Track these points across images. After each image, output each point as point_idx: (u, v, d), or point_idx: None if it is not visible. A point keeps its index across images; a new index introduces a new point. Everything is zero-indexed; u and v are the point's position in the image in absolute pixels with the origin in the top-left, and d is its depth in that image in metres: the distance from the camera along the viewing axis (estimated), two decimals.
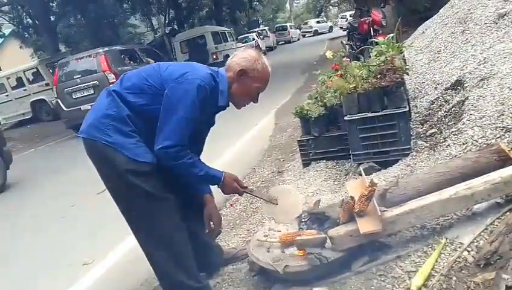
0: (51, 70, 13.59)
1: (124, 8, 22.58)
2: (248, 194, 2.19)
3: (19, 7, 18.95)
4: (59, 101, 8.75)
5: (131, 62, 9.78)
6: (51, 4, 17.82)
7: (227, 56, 9.99)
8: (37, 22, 17.65)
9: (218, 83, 1.93)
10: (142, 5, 22.55)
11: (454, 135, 2.66)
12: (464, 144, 2.50)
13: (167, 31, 22.87)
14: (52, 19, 17.17)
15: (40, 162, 7.61)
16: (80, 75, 8.64)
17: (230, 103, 2.02)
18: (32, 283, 2.88)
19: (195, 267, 2.00)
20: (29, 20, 19.81)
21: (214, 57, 15.36)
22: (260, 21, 37.00)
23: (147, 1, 22.34)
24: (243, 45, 20.00)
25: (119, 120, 1.81)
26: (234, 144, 5.31)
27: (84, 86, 8.51)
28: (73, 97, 8.61)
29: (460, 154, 2.42)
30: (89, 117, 1.89)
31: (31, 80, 13.74)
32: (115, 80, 7.62)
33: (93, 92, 8.28)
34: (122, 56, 9.68)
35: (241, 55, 2.00)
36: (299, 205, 2.20)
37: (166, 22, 24.98)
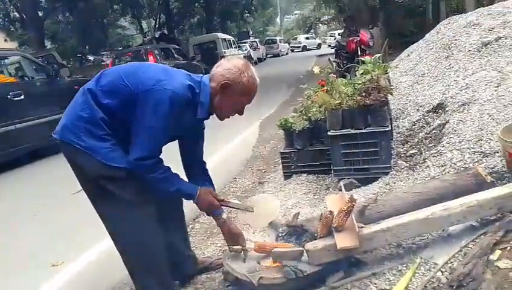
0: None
1: (115, 8, 22.47)
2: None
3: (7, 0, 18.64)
4: None
5: (167, 59, 11.88)
6: None
7: None
8: (24, 16, 17.32)
9: (199, 94, 1.82)
10: (133, 7, 22.46)
11: (433, 156, 2.71)
12: (442, 166, 2.54)
13: (156, 35, 22.80)
14: (40, 14, 16.90)
15: None
16: None
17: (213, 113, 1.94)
18: None
19: (168, 275, 1.96)
20: (16, 13, 19.45)
21: None
22: (250, 32, 37.30)
23: (138, 3, 22.26)
24: (243, 52, 20.95)
25: (93, 123, 1.73)
26: (216, 152, 5.27)
27: None
28: None
29: (438, 175, 2.46)
30: (63, 117, 1.82)
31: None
32: None
33: None
34: (162, 53, 12.00)
35: (226, 66, 1.85)
36: (276, 209, 2.17)
37: (157, 26, 24.92)
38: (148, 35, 24.92)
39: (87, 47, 21.81)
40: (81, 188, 1.87)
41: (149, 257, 1.86)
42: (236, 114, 1.96)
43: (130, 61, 10.97)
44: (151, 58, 10.79)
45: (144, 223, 1.82)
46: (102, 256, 2.81)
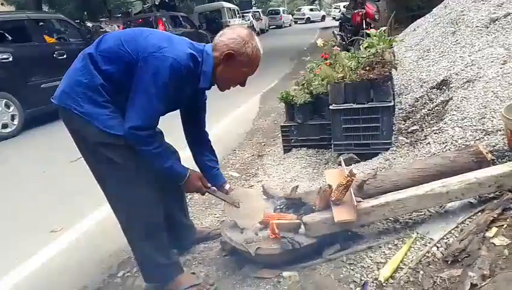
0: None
1: None
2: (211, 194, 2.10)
3: None
4: None
5: (176, 26, 12.23)
6: None
7: None
8: None
9: (201, 63, 1.76)
10: None
11: (435, 133, 2.69)
12: (443, 143, 2.53)
13: (156, 3, 22.27)
14: None
15: None
16: None
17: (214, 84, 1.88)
18: None
19: (167, 244, 1.98)
20: None
21: None
22: (253, 2, 36.42)
23: None
24: (246, 22, 20.78)
25: (92, 89, 1.68)
26: (216, 125, 5.24)
27: None
28: None
29: (439, 152, 2.45)
30: (62, 82, 1.77)
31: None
32: None
33: None
34: (173, 21, 12.32)
35: (230, 35, 1.77)
36: (261, 210, 2.11)
37: None
38: (147, 2, 24.35)
39: (85, 13, 21.32)
40: (80, 155, 1.85)
41: (147, 223, 1.86)
42: (238, 85, 1.91)
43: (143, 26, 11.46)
44: (160, 25, 11.05)
45: (142, 189, 1.81)
46: (101, 223, 2.84)
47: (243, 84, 1.90)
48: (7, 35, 6.19)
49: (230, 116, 5.84)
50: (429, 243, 1.83)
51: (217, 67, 1.79)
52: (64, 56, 6.41)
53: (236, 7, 22.19)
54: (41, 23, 7.16)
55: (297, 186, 2.46)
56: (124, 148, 1.73)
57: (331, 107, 2.98)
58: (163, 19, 11.79)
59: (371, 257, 1.87)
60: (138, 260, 1.98)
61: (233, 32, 1.79)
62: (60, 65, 6.11)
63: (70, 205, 3.24)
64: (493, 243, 1.68)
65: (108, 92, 1.71)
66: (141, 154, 1.74)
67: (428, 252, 1.78)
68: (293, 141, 3.61)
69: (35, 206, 3.35)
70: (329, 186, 1.93)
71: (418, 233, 1.92)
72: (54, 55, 6.37)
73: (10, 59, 5.65)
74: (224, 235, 2.08)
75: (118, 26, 13.34)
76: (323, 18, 36.16)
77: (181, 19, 13.36)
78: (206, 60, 1.77)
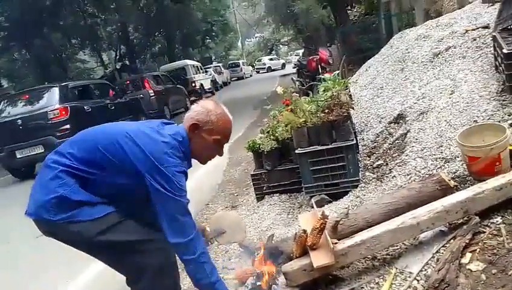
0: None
1: (73, 43, 22.15)
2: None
3: None
4: None
5: (159, 84, 13.97)
6: None
7: (202, 85, 15.41)
8: None
9: (185, 152, 1.79)
10: (92, 41, 22.19)
11: (399, 166, 2.77)
12: (408, 174, 2.61)
13: (118, 67, 22.59)
14: None
15: None
16: (130, 91, 13.13)
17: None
18: None
19: None
20: None
21: (193, 84, 18.52)
22: (213, 58, 37.61)
23: (97, 37, 22.03)
24: (208, 76, 22.46)
25: (69, 201, 1.64)
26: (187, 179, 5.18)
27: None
28: None
29: (405, 184, 2.51)
30: (35, 196, 1.69)
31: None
32: (154, 95, 12.70)
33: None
34: (155, 80, 14.03)
35: (195, 108, 1.83)
36: (239, 221, 2.38)
37: (117, 57, 24.67)
38: (109, 67, 24.62)
39: (46, 83, 21.24)
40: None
41: (174, 270, 1.82)
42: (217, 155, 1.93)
43: (131, 86, 13.33)
44: (146, 84, 13.06)
45: (162, 253, 1.74)
46: None
47: (220, 153, 1.92)
48: (83, 95, 8.80)
49: (201, 169, 5.78)
50: (409, 277, 1.83)
51: (190, 143, 1.81)
52: (113, 107, 9.37)
53: (199, 63, 23.00)
54: (96, 88, 10.06)
55: (273, 235, 2.44)
56: (122, 223, 1.69)
57: (296, 151, 3.04)
58: (148, 79, 13.58)
59: None
60: None
61: (198, 105, 1.84)
62: (110, 112, 9.10)
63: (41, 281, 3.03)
64: (469, 269, 1.70)
65: (84, 200, 1.67)
66: (186, 265, 1.69)
67: (409, 287, 1.77)
68: (264, 188, 3.61)
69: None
70: (304, 231, 1.92)
71: (396, 268, 1.91)
72: (108, 106, 9.23)
73: (90, 110, 8.40)
74: None
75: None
76: (283, 66, 37.65)
77: (161, 77, 15.16)
78: (183, 144, 1.78)
